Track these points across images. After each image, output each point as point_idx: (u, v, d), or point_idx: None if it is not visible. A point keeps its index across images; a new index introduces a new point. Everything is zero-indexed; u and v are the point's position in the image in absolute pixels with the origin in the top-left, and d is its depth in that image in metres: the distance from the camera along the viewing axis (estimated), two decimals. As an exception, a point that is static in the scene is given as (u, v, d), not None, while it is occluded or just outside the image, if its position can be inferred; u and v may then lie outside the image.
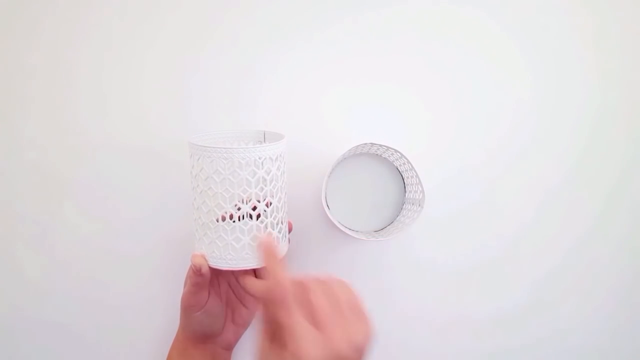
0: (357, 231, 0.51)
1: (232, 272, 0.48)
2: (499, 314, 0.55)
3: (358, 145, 0.46)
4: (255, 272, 0.47)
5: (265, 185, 0.41)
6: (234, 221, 0.42)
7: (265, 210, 0.42)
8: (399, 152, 0.47)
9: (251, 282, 0.36)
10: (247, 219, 0.42)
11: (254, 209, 0.42)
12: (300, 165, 0.51)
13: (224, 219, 0.43)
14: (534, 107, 0.53)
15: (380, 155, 0.52)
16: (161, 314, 0.53)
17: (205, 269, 0.41)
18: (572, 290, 0.56)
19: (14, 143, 0.52)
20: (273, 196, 0.42)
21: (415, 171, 0.47)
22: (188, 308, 0.45)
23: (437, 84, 0.53)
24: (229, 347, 0.50)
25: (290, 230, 0.48)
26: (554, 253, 0.55)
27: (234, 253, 0.41)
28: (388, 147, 0.47)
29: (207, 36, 0.51)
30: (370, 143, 0.46)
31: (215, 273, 0.46)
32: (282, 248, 0.44)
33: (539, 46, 0.53)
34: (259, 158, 0.40)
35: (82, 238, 0.53)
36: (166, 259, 0.53)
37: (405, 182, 0.53)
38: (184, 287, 0.46)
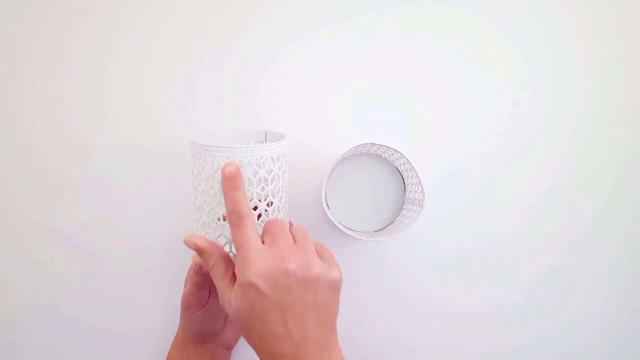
0: (357, 231, 0.52)
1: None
2: (499, 314, 0.55)
3: (358, 145, 0.47)
4: None
5: (267, 185, 0.41)
6: None
7: (266, 210, 0.42)
8: (399, 152, 0.47)
9: (194, 238, 0.37)
10: None
11: (255, 208, 0.42)
12: (300, 165, 0.51)
13: (225, 218, 0.43)
14: (533, 107, 0.53)
15: (380, 155, 0.52)
16: (161, 314, 0.53)
17: (205, 268, 0.41)
18: (572, 290, 0.56)
19: (16, 142, 0.52)
20: (274, 196, 0.42)
21: (415, 171, 0.47)
22: (188, 307, 0.45)
23: (437, 84, 0.53)
24: (229, 347, 0.50)
25: None
26: (553, 252, 0.55)
27: (235, 253, 0.41)
28: (388, 147, 0.47)
29: (209, 36, 0.52)
30: (370, 143, 0.46)
31: None
32: None
33: (537, 46, 0.53)
34: (261, 158, 0.40)
35: (82, 238, 0.53)
36: (167, 258, 0.53)
37: (405, 182, 0.53)
38: (184, 286, 0.46)
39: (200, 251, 0.37)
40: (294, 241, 0.36)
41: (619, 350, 0.57)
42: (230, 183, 0.36)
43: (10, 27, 0.51)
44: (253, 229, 0.35)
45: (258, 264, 0.33)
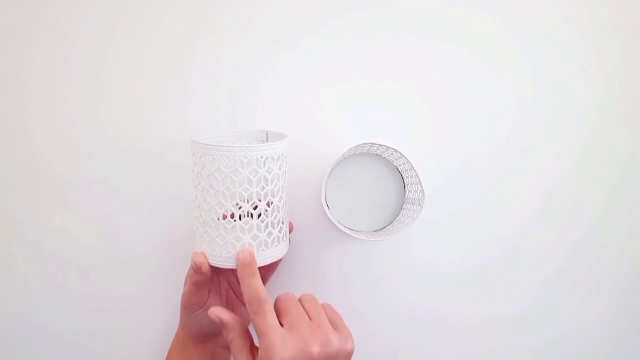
0: (357, 231, 0.52)
1: (233, 271, 0.48)
2: (500, 315, 0.55)
3: (358, 145, 0.47)
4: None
5: (267, 185, 0.41)
6: (235, 220, 0.42)
7: (266, 210, 0.42)
8: (399, 152, 0.47)
9: (218, 312, 0.40)
10: (248, 218, 0.42)
11: (255, 208, 0.42)
12: (300, 165, 0.51)
13: (225, 217, 0.43)
14: (535, 108, 0.53)
15: (380, 155, 0.53)
16: (161, 314, 0.53)
17: (205, 268, 0.41)
18: (575, 292, 0.56)
19: (12, 144, 0.52)
20: (274, 196, 0.42)
21: (415, 171, 0.47)
22: (188, 307, 0.45)
23: (438, 84, 0.53)
24: (229, 347, 0.50)
25: (291, 230, 0.48)
26: (554, 254, 0.55)
27: (234, 252, 0.41)
28: (388, 147, 0.47)
29: (207, 35, 0.52)
30: (370, 143, 0.46)
31: (216, 272, 0.46)
32: (283, 248, 0.45)
33: (540, 47, 0.53)
34: (261, 157, 0.40)
35: (82, 238, 0.53)
36: (166, 257, 0.53)
37: (405, 182, 0.53)
38: (185, 285, 0.46)
39: (223, 324, 0.40)
40: (310, 317, 0.39)
41: (623, 352, 0.57)
42: (247, 271, 0.39)
43: (6, 29, 0.51)
44: (272, 314, 0.38)
45: (283, 351, 0.36)
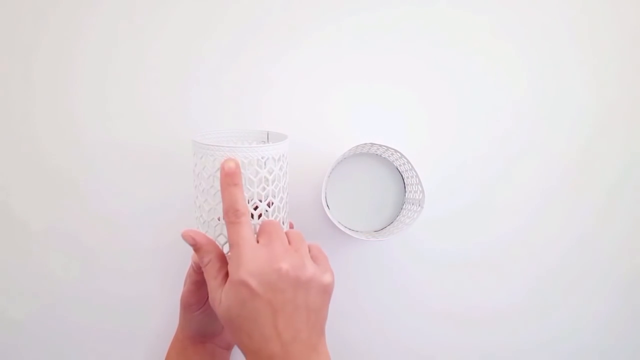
0: (357, 231, 0.52)
1: None
2: (499, 315, 0.55)
3: (358, 145, 0.47)
4: None
5: (268, 185, 0.41)
6: None
7: (266, 210, 0.42)
8: (399, 152, 0.47)
9: (192, 233, 0.37)
10: None
11: (256, 208, 0.42)
12: (300, 165, 0.51)
13: None
14: (533, 107, 0.54)
15: (380, 155, 0.53)
16: (160, 314, 0.53)
17: None
18: (573, 291, 0.56)
19: (16, 142, 0.52)
20: (275, 196, 0.42)
21: (415, 171, 0.47)
22: (187, 307, 0.45)
23: (437, 84, 0.53)
24: (229, 347, 0.50)
25: None
26: (553, 253, 0.55)
27: None
28: (388, 147, 0.47)
29: (209, 35, 0.52)
30: (370, 143, 0.46)
31: None
32: None
33: (538, 47, 0.53)
34: (262, 158, 0.40)
35: (81, 238, 0.52)
36: (166, 258, 0.53)
37: (405, 182, 0.53)
38: (184, 285, 0.46)
39: (196, 246, 0.37)
40: (289, 243, 0.36)
41: (620, 351, 0.57)
42: (229, 180, 0.36)
43: (10, 30, 0.51)
44: (249, 227, 0.35)
45: (251, 262, 0.33)
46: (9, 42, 0.51)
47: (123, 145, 0.52)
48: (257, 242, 0.36)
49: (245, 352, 0.35)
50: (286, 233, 0.38)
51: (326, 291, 0.36)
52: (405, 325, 0.55)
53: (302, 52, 0.52)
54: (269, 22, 0.52)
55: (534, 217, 0.55)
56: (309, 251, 0.37)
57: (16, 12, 0.50)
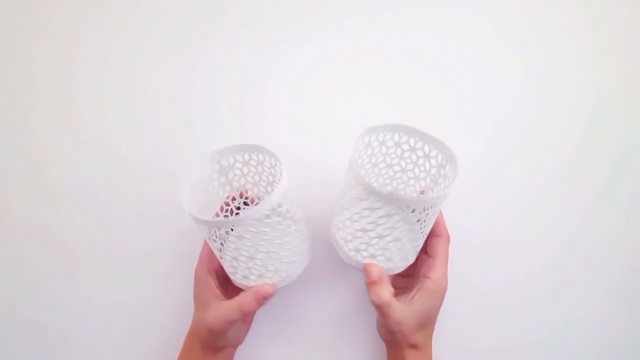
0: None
1: None
2: (493, 311, 0.53)
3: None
4: None
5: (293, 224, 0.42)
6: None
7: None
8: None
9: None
10: None
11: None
12: (302, 167, 0.51)
13: (234, 198, 0.46)
14: (529, 104, 0.54)
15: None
16: (160, 316, 0.52)
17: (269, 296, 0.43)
18: (566, 289, 0.54)
19: (16, 145, 0.50)
20: (295, 223, 0.43)
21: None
22: (223, 332, 0.45)
23: (434, 84, 0.54)
24: (239, 344, 0.52)
25: None
26: (547, 250, 0.54)
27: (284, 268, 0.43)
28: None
29: (211, 37, 0.51)
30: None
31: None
32: (305, 260, 0.46)
33: (532, 44, 0.55)
34: (265, 215, 0.39)
35: (82, 240, 0.51)
36: (166, 257, 0.52)
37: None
38: (210, 309, 0.45)
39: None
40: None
41: (614, 349, 0.53)
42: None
43: (11, 32, 0.50)
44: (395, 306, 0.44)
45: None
46: (10, 44, 0.51)
47: (123, 149, 0.51)
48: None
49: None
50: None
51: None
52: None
53: (302, 54, 0.51)
54: (270, 24, 0.49)
55: (528, 215, 0.54)
56: None
57: (19, 14, 0.50)
